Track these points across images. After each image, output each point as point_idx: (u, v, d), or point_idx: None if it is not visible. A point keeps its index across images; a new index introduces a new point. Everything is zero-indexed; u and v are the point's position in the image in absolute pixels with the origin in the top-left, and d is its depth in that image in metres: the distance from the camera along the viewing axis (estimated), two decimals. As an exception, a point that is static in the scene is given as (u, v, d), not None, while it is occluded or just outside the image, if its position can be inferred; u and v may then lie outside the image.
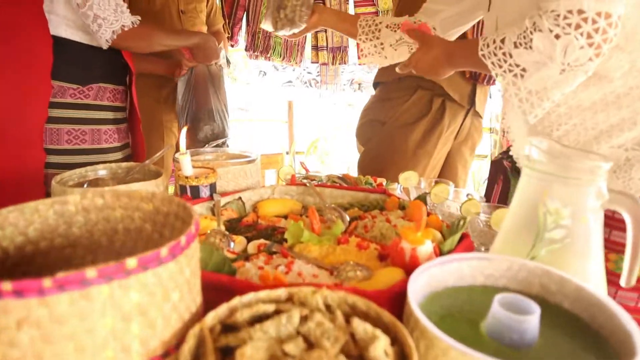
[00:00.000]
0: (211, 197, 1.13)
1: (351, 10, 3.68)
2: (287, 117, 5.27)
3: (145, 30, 1.42)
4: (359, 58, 4.16)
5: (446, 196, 1.19)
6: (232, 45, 3.90)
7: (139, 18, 1.41)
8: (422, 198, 1.10)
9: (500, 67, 0.91)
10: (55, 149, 1.38)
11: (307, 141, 5.28)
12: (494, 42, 0.92)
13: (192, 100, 2.06)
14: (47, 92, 1.32)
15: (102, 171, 1.23)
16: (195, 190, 1.11)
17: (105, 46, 1.36)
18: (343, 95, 4.47)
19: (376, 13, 3.63)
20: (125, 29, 1.35)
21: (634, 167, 0.91)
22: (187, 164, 1.12)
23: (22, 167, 1.32)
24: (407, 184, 1.35)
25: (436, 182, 1.26)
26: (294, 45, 3.94)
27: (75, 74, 1.37)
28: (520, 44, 0.87)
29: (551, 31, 0.82)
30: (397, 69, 1.25)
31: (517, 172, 1.24)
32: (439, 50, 1.11)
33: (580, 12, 0.79)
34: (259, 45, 3.88)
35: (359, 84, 4.40)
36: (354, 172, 1.89)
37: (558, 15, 0.81)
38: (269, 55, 3.93)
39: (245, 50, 3.92)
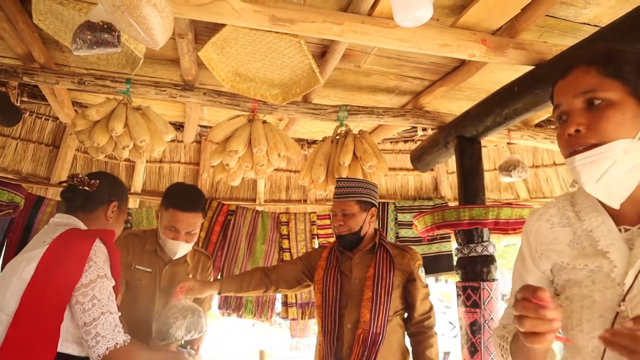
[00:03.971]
0: None
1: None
2: (258, 367, 5.18)
3: (130, 349, 1.59)
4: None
5: None
6: (205, 304, 4.10)
7: (129, 337, 1.59)
8: None
9: None
10: None
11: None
12: None
13: None
14: None
15: None
16: None
17: None
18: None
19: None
20: (118, 346, 1.52)
21: None
22: None
23: None
24: None
25: None
26: (264, 302, 4.17)
27: None
28: None
29: None
30: None
31: None
32: None
33: None
34: (232, 304, 4.09)
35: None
36: None
37: None
38: (240, 313, 4.11)
39: (219, 308, 4.11)
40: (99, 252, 1.57)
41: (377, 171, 2.92)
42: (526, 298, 0.88)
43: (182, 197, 2.16)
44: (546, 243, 1.08)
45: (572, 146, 0.97)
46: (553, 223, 1.08)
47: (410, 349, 2.34)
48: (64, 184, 1.76)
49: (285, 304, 4.22)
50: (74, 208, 1.74)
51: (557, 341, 0.92)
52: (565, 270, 1.04)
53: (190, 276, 2.34)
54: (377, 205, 2.42)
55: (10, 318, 1.45)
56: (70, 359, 1.52)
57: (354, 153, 2.94)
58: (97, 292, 1.52)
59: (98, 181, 1.75)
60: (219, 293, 2.32)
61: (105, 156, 4.01)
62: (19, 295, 1.47)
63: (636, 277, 0.91)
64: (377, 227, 2.63)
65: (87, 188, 1.72)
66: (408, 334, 2.35)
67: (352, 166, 2.93)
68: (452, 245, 4.39)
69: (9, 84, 3.42)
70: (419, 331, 2.30)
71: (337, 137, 3.10)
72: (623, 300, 0.91)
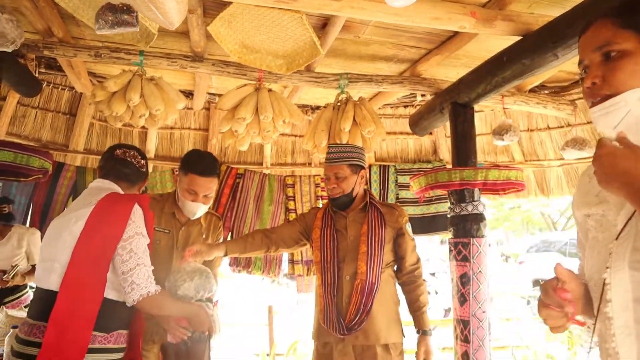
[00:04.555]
0: None
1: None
2: (267, 320, 5.54)
3: (160, 297, 1.86)
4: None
5: None
6: (217, 262, 4.40)
7: (160, 288, 1.87)
8: None
9: None
10: None
11: (287, 343, 5.48)
12: None
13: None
14: (86, 342, 1.69)
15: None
16: None
17: (130, 304, 1.78)
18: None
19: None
20: (150, 294, 1.80)
21: None
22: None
23: None
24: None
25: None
26: (272, 259, 4.46)
27: (104, 324, 1.76)
28: None
29: None
30: None
31: None
32: None
33: None
34: (241, 261, 4.38)
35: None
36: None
37: None
38: (250, 269, 4.41)
39: (229, 265, 4.41)
40: (137, 213, 1.84)
41: (375, 136, 3.12)
42: (547, 305, 1.05)
43: (201, 163, 2.37)
44: (581, 195, 1.18)
45: (590, 98, 1.04)
46: (590, 177, 1.14)
47: (401, 298, 2.61)
48: (117, 153, 2.04)
49: (292, 261, 4.51)
50: (119, 176, 2.02)
51: (575, 324, 1.07)
52: (589, 217, 1.15)
53: (204, 236, 2.58)
54: (365, 167, 2.65)
55: (63, 267, 1.73)
56: (111, 302, 1.79)
57: (354, 119, 3.14)
58: (134, 246, 1.79)
59: (144, 161, 2.10)
60: (225, 255, 2.52)
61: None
62: (71, 248, 1.74)
63: (629, 219, 1.00)
64: (366, 187, 2.84)
65: (143, 170, 2.08)
66: (400, 283, 2.61)
67: (352, 131, 3.13)
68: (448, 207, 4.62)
69: (27, 57, 3.60)
70: (410, 280, 2.56)
71: (338, 104, 3.29)
72: (616, 239, 1.02)
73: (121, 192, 1.99)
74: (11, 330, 2.51)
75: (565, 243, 11.31)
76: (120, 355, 1.86)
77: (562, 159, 4.43)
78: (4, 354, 2.51)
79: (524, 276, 10.18)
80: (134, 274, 1.77)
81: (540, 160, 4.58)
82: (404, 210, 2.64)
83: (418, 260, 2.61)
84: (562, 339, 6.67)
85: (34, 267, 3.70)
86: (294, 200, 4.53)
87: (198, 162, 2.38)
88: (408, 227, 2.60)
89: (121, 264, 1.77)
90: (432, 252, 12.79)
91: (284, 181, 4.58)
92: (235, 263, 4.37)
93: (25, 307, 3.59)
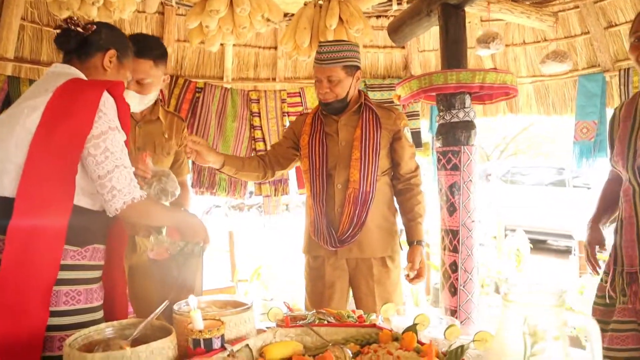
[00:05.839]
0: (223, 348, 1.21)
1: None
2: (228, 246, 5.35)
3: (147, 204, 1.57)
4: (299, 188, 4.43)
5: (428, 324, 1.36)
6: (177, 183, 4.07)
7: (146, 193, 1.56)
8: (412, 329, 1.27)
9: None
10: (53, 311, 1.40)
11: (250, 269, 5.33)
12: None
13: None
14: (58, 257, 1.40)
15: (108, 330, 1.28)
16: (209, 343, 1.20)
17: (112, 214, 1.47)
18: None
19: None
20: (135, 201, 1.49)
21: None
22: (198, 319, 1.22)
23: (19, 331, 1.32)
24: (388, 314, 1.52)
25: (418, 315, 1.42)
26: (238, 180, 4.18)
27: (76, 237, 1.45)
28: None
29: None
30: None
31: None
32: None
33: None
34: (205, 182, 4.08)
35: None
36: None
37: None
38: (214, 190, 4.12)
39: (192, 187, 4.09)
40: (108, 103, 1.49)
41: (363, 35, 2.84)
42: None
43: (134, 43, 1.93)
44: None
45: None
46: None
47: (398, 207, 2.45)
48: (58, 30, 1.61)
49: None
50: (69, 55, 1.62)
51: None
52: None
53: (166, 136, 2.29)
54: (361, 67, 2.36)
55: (18, 168, 1.39)
56: (83, 211, 1.49)
57: (340, 17, 2.83)
58: (109, 144, 1.46)
59: (95, 26, 1.62)
60: (222, 166, 2.23)
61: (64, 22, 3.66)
62: (26, 146, 1.40)
63: None
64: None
65: (81, 30, 1.59)
66: (395, 192, 2.43)
67: (337, 30, 2.84)
68: (420, 123, 4.51)
69: None
70: (406, 188, 2.38)
71: (320, 1, 2.96)
72: None
73: (85, 78, 1.61)
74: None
75: (507, 172, 11.73)
76: (98, 273, 1.59)
77: (535, 75, 4.36)
78: None
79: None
80: (112, 177, 1.46)
81: (513, 77, 4.48)
82: (402, 114, 2.42)
83: (416, 168, 2.43)
84: (510, 256, 7.07)
85: None
86: (259, 116, 4.22)
87: (132, 43, 1.99)
88: (407, 132, 2.40)
89: (95, 167, 1.45)
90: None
91: (247, 96, 4.23)
92: (198, 184, 4.07)
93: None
